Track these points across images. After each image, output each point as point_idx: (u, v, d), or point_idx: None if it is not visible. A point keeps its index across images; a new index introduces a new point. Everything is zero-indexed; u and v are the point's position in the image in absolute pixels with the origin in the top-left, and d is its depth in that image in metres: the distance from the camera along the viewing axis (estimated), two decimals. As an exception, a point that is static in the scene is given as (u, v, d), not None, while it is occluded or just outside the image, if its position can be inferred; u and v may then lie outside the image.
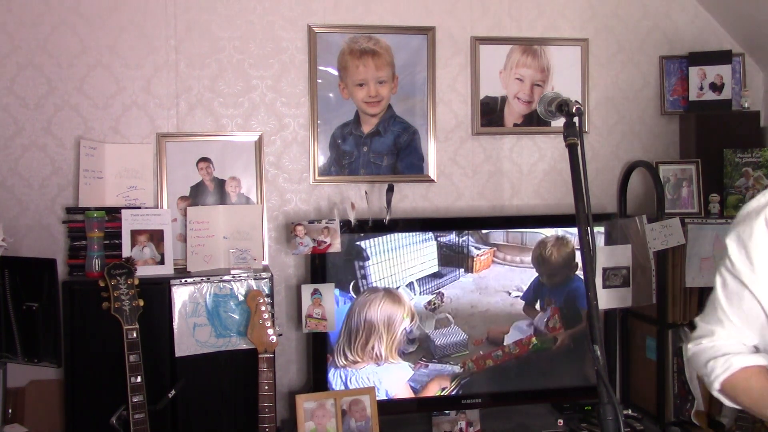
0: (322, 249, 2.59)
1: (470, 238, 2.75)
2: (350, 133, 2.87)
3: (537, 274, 2.82)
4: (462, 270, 2.75)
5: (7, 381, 2.47)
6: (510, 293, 2.79)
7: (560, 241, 2.82)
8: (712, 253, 2.79)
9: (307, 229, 2.58)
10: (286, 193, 2.86)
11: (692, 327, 1.55)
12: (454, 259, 2.74)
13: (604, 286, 2.81)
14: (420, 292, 2.72)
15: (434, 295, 2.73)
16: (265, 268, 2.70)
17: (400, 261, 2.69)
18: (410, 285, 2.71)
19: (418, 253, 2.71)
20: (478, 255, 2.77)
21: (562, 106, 1.46)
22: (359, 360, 2.68)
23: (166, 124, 2.75)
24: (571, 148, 1.36)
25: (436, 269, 2.73)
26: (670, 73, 3.12)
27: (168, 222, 2.63)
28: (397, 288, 2.69)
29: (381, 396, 2.65)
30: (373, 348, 2.69)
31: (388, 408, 2.66)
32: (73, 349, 2.39)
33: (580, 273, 2.83)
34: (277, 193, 2.85)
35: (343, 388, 2.64)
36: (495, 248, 2.78)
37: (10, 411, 2.52)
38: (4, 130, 2.65)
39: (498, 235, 2.78)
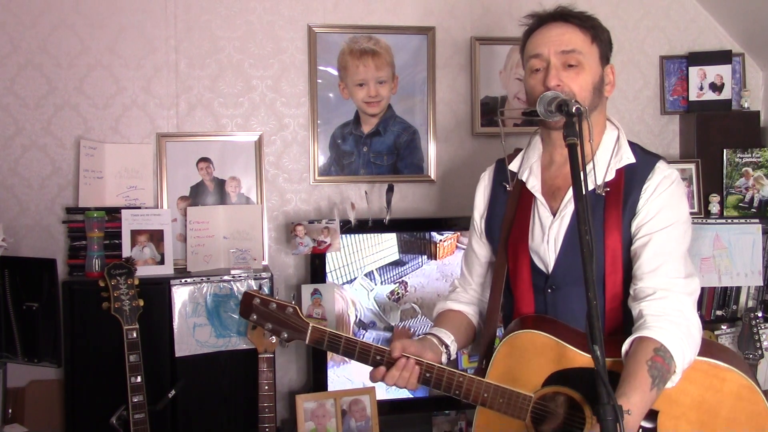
0: (322, 249, 2.59)
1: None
2: (350, 133, 2.87)
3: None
4: (425, 257, 2.70)
5: (7, 381, 2.48)
6: None
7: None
8: (712, 253, 2.79)
9: (307, 229, 2.58)
10: (286, 193, 2.86)
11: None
12: (415, 245, 2.69)
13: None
14: (381, 282, 2.66)
15: (397, 285, 2.68)
16: (265, 268, 2.70)
17: (357, 249, 2.64)
18: (370, 274, 2.66)
19: (376, 240, 2.66)
20: (441, 241, 2.71)
21: (562, 106, 1.44)
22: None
23: (166, 124, 2.75)
24: (571, 149, 1.36)
25: (396, 257, 2.68)
26: (670, 73, 3.12)
27: (168, 222, 2.63)
28: (353, 280, 2.64)
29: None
30: None
31: (388, 408, 2.66)
32: (73, 349, 2.40)
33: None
34: (277, 193, 2.85)
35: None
36: (459, 233, 2.72)
37: (10, 411, 2.52)
38: (4, 130, 2.65)
39: (460, 219, 2.72)
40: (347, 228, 2.61)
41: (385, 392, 2.67)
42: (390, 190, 2.72)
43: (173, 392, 2.36)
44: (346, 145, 2.86)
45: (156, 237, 2.61)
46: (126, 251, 2.57)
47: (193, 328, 2.47)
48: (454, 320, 1.80)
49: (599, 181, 1.60)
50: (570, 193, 1.62)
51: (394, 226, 2.68)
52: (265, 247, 2.77)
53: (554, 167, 1.69)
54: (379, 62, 2.86)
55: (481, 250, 1.83)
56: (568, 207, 1.62)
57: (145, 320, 2.32)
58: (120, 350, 2.26)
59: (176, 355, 2.45)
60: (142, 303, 2.31)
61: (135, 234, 2.59)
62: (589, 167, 1.59)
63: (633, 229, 1.58)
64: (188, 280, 2.49)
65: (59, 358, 2.32)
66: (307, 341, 1.64)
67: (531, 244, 1.66)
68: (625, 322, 1.59)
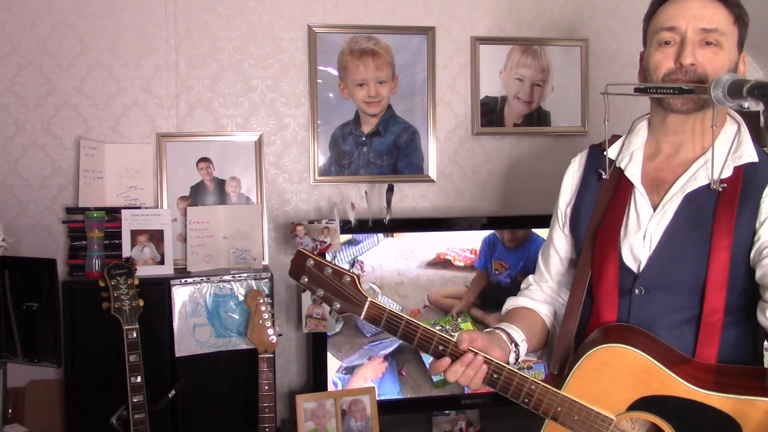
0: (322, 249, 2.59)
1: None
2: (350, 133, 2.87)
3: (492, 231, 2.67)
4: (380, 234, 2.64)
5: (7, 381, 2.47)
6: (439, 255, 2.67)
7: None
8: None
9: (307, 229, 2.58)
10: (286, 193, 2.86)
11: None
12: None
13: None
14: (335, 263, 2.60)
15: (352, 265, 2.62)
16: (265, 268, 2.70)
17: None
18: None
19: None
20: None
21: (764, 89, 1.22)
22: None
23: (166, 124, 2.75)
24: None
25: (349, 236, 2.62)
26: (670, 73, 3.11)
27: (168, 222, 2.64)
28: None
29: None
30: None
31: (388, 408, 2.66)
32: (73, 349, 2.40)
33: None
34: (277, 193, 2.85)
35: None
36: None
37: (10, 411, 2.52)
38: (4, 130, 2.65)
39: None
40: (347, 228, 2.61)
41: (385, 392, 2.67)
42: (390, 190, 2.72)
43: (173, 392, 2.36)
44: (346, 145, 2.86)
45: (156, 237, 2.61)
46: (126, 251, 2.57)
47: (193, 328, 2.47)
48: (526, 319, 1.64)
49: (715, 176, 1.43)
50: (676, 186, 1.47)
51: (394, 226, 2.68)
52: (265, 247, 2.77)
53: (660, 157, 1.54)
54: (379, 62, 2.86)
55: (563, 243, 1.67)
56: (672, 201, 1.46)
57: (145, 320, 2.32)
58: (120, 350, 2.26)
59: (176, 355, 2.44)
60: (142, 303, 2.31)
61: (135, 234, 2.59)
62: (701, 161, 1.47)
63: (760, 240, 1.39)
64: (188, 280, 2.49)
65: (59, 358, 2.32)
66: (362, 317, 1.45)
67: (623, 237, 1.50)
68: (724, 339, 1.43)
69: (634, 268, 1.48)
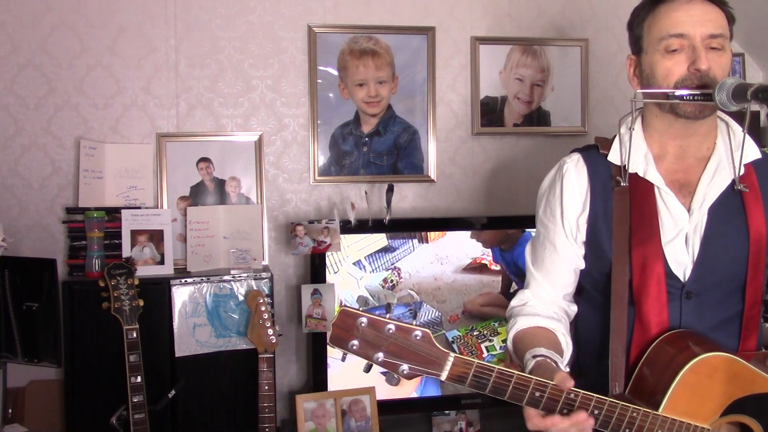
0: (322, 249, 2.59)
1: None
2: (350, 133, 2.87)
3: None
4: (416, 240, 2.66)
5: (7, 381, 2.48)
6: (475, 260, 2.69)
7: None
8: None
9: (307, 229, 2.58)
10: (286, 193, 2.86)
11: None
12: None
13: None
14: (372, 270, 2.61)
15: (389, 272, 2.62)
16: (265, 268, 2.70)
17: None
18: (358, 263, 2.63)
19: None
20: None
21: None
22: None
23: (166, 124, 2.75)
24: None
25: (385, 243, 2.63)
26: (670, 73, 3.11)
27: (168, 222, 2.64)
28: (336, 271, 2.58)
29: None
30: None
31: (388, 408, 2.66)
32: (73, 349, 2.40)
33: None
34: (277, 193, 2.85)
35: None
36: None
37: (10, 411, 2.52)
38: (4, 130, 2.65)
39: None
40: (347, 228, 2.61)
41: (385, 392, 2.67)
42: (390, 190, 2.72)
43: (173, 392, 2.36)
44: (346, 145, 2.86)
45: (156, 237, 2.61)
46: (126, 251, 2.57)
47: (193, 328, 2.47)
48: (549, 340, 1.51)
49: (736, 177, 1.46)
50: (701, 187, 1.47)
51: (394, 226, 2.68)
52: (265, 247, 2.77)
53: (669, 159, 1.51)
54: (379, 62, 2.86)
55: (572, 255, 1.56)
56: (706, 202, 1.46)
57: (145, 320, 2.32)
58: (120, 350, 2.26)
59: (176, 355, 2.45)
60: (142, 303, 2.31)
61: (135, 234, 2.59)
62: (714, 161, 1.49)
63: None
64: (188, 280, 2.49)
65: (59, 358, 2.32)
66: (444, 377, 1.21)
67: (664, 243, 1.46)
68: (759, 330, 1.49)
69: (679, 273, 1.46)
